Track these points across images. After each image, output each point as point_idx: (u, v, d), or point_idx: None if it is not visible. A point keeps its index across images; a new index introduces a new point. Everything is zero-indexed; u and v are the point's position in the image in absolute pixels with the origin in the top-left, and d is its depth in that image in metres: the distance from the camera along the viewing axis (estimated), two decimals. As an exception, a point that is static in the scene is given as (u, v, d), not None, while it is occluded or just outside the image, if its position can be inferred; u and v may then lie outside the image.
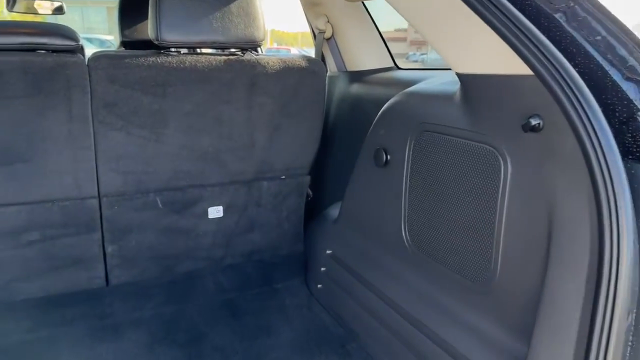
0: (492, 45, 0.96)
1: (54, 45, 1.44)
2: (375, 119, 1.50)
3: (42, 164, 1.49)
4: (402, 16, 1.19)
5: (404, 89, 1.57)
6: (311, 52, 2.20)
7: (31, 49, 1.43)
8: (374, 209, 1.50)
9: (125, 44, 2.53)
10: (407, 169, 1.36)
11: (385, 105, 1.47)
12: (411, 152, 1.34)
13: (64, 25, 1.52)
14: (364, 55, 2.03)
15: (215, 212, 1.82)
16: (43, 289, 1.63)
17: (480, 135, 1.13)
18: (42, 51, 1.44)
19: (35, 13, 2.79)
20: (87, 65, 1.46)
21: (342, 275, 1.59)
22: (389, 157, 1.42)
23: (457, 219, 1.20)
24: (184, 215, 1.77)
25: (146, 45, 2.29)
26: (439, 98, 1.30)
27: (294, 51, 17.35)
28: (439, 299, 1.25)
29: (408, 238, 1.37)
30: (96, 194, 1.61)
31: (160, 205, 1.72)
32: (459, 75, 1.16)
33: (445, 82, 1.41)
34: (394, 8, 1.16)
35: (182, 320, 1.56)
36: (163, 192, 1.71)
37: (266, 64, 1.67)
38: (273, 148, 1.82)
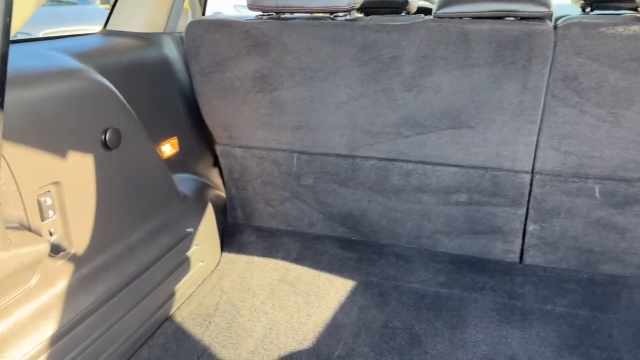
0: None
1: (524, 12, 1.37)
2: None
3: (484, 132, 1.50)
4: None
5: None
6: None
7: (500, 17, 1.39)
8: None
9: None
10: None
11: None
12: None
13: None
14: None
15: None
16: (460, 247, 1.72)
17: None
18: (510, 18, 1.39)
19: None
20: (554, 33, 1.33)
21: None
22: None
23: None
24: (623, 211, 1.49)
25: None
26: None
27: None
28: None
29: None
30: (529, 170, 1.53)
31: (598, 195, 1.50)
32: None
33: None
34: None
35: (599, 332, 1.36)
36: (604, 180, 1.47)
37: None
38: None
